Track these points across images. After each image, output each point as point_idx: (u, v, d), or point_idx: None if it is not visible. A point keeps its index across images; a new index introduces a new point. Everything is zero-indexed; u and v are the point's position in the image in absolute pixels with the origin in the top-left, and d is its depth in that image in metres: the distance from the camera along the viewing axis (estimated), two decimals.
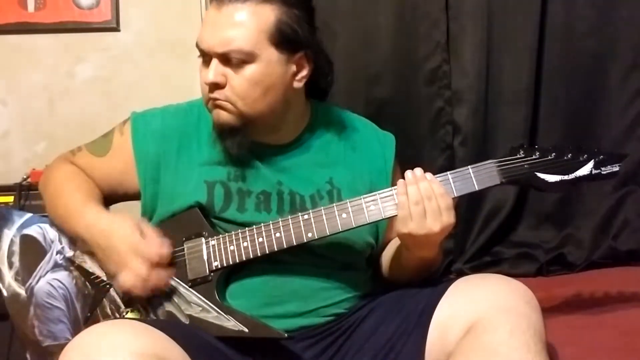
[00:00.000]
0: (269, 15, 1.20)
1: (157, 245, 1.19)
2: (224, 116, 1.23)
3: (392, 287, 1.30)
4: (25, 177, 1.80)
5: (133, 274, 1.17)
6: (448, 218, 1.14)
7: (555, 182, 1.17)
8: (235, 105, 1.22)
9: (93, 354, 0.97)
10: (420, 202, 1.14)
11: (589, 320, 1.39)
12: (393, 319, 1.20)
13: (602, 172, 1.17)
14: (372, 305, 1.26)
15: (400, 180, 1.18)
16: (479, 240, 1.90)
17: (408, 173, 1.17)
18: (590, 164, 1.17)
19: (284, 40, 1.21)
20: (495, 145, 1.88)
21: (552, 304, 1.47)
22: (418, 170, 1.17)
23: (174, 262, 1.22)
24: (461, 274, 1.84)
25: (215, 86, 1.21)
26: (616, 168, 1.17)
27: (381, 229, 1.32)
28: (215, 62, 1.20)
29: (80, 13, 1.99)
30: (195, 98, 1.40)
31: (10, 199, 1.77)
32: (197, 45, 1.23)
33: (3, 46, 2.01)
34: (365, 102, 1.87)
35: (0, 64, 2.01)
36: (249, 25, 1.19)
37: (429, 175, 1.17)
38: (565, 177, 1.17)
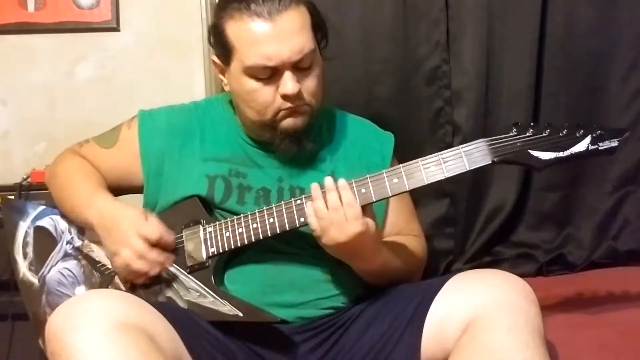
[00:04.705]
0: (306, 12, 1.25)
1: (157, 226, 1.22)
2: (301, 120, 1.26)
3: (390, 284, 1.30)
4: (25, 177, 1.80)
5: (131, 250, 1.19)
6: (354, 227, 1.13)
7: (550, 160, 1.12)
8: (311, 106, 1.26)
9: (77, 313, 1.00)
10: (326, 216, 1.14)
11: (588, 320, 1.39)
12: (388, 313, 1.20)
13: (600, 148, 1.11)
14: (368, 301, 1.26)
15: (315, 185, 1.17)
16: (479, 240, 1.90)
17: (313, 185, 1.17)
18: (587, 140, 1.11)
19: (320, 32, 1.28)
20: None
21: (552, 304, 1.47)
22: (327, 180, 1.17)
23: (175, 250, 1.25)
24: None
25: (297, 95, 1.22)
26: (615, 143, 1.11)
27: (379, 224, 1.31)
28: (289, 72, 1.21)
29: (80, 13, 1.99)
30: (198, 99, 1.44)
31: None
32: (262, 65, 1.21)
33: (3, 46, 2.01)
34: (365, 102, 1.87)
35: (0, 64, 2.01)
36: (305, 26, 1.24)
37: (341, 182, 1.16)
38: (561, 154, 1.12)
